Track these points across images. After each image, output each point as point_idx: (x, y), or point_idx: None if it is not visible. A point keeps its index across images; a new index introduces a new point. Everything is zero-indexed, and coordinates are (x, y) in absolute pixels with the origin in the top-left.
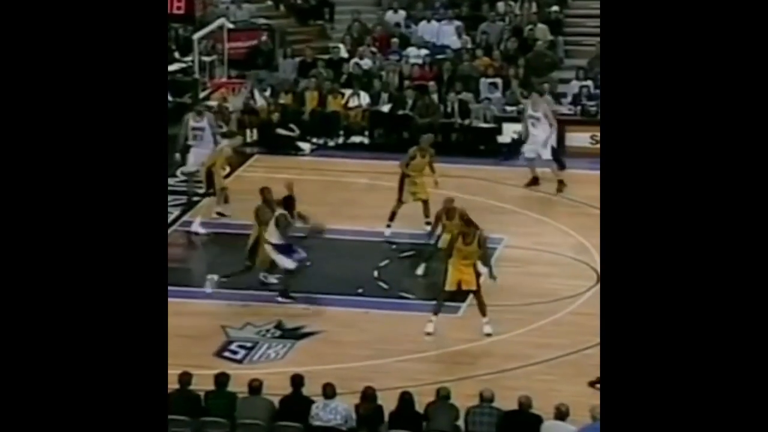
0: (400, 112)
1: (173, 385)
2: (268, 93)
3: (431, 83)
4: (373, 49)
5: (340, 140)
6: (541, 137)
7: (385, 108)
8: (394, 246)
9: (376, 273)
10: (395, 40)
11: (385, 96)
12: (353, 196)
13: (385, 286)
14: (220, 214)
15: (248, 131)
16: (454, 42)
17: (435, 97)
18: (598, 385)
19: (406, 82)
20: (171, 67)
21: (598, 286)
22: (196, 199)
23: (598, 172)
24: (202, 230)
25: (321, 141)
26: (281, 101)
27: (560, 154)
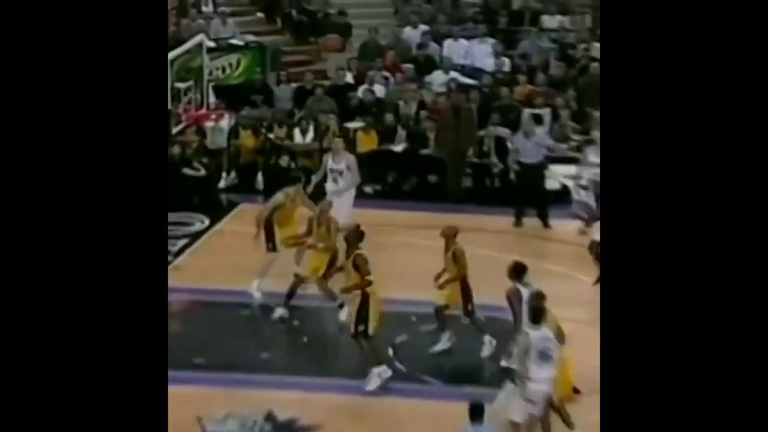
0: (422, 152)
1: None
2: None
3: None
4: (386, 73)
5: None
6: (345, 201)
7: (399, 148)
8: (414, 318)
9: (391, 351)
10: (409, 66)
11: (402, 133)
12: None
13: (402, 367)
14: (297, 277)
15: (227, 174)
16: (489, 64)
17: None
18: None
19: (425, 114)
20: None
21: None
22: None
23: None
24: (257, 294)
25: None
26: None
27: None
